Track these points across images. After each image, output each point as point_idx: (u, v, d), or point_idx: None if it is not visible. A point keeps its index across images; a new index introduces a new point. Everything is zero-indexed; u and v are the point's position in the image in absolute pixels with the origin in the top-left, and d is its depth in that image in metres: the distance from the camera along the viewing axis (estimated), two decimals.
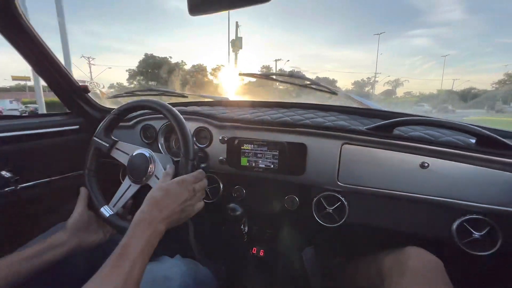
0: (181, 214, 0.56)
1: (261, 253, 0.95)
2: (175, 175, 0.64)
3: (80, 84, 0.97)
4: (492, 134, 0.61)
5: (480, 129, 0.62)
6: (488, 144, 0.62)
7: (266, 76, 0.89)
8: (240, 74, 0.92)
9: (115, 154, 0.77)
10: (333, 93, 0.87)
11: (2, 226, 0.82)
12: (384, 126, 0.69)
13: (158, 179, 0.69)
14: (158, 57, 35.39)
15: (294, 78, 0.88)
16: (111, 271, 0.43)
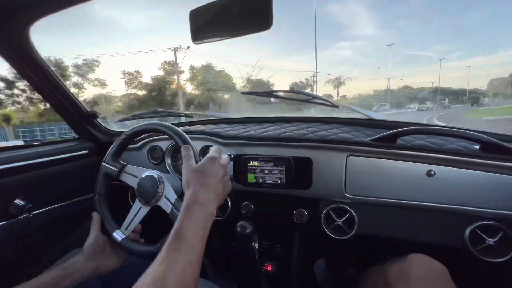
0: (223, 191, 0.56)
1: (273, 269, 0.94)
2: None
3: (89, 110, 1.01)
4: (494, 140, 0.62)
5: (482, 135, 0.63)
6: (492, 150, 0.63)
7: (268, 93, 0.92)
8: (242, 93, 0.95)
9: (124, 177, 0.79)
10: (334, 106, 0.89)
11: (18, 253, 0.83)
12: (387, 136, 0.70)
13: (167, 199, 0.71)
14: None
15: (295, 94, 0.91)
16: (167, 256, 0.40)
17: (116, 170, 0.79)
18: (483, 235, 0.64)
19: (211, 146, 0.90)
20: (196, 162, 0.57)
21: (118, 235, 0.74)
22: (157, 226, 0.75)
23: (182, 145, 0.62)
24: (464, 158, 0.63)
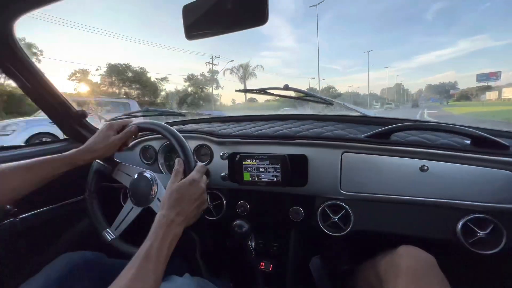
0: (196, 211, 0.60)
1: (270, 268, 0.94)
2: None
3: (78, 109, 0.98)
4: (485, 134, 0.63)
5: (473, 130, 0.64)
6: (482, 144, 0.64)
7: (262, 90, 0.92)
8: (236, 91, 0.95)
9: (117, 176, 0.77)
10: (329, 103, 0.89)
11: (4, 259, 0.79)
12: (382, 133, 0.71)
13: (160, 202, 0.69)
14: None
15: (289, 91, 0.91)
16: (137, 274, 0.45)
17: (109, 167, 0.77)
18: (475, 228, 0.65)
19: (205, 145, 0.89)
20: (185, 173, 0.63)
21: (108, 235, 0.72)
22: (149, 226, 0.74)
23: (177, 159, 0.66)
24: (456, 153, 0.65)
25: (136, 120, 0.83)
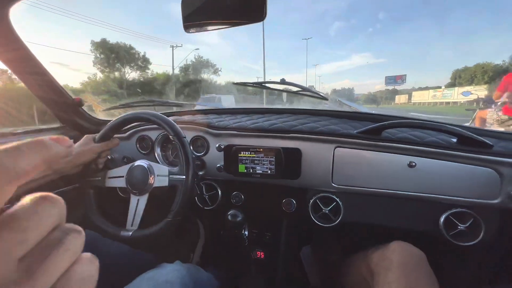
0: None
1: (262, 256, 0.98)
2: None
3: (74, 97, 0.97)
4: (470, 134, 0.66)
5: (459, 129, 0.67)
6: (467, 143, 0.67)
7: (259, 84, 0.92)
8: (234, 84, 0.95)
9: (111, 183, 0.77)
10: (324, 98, 0.91)
11: None
12: (373, 129, 0.73)
13: (161, 176, 0.72)
14: None
15: (285, 86, 0.92)
16: None
17: (99, 178, 0.77)
18: (456, 221, 0.69)
19: (201, 136, 0.90)
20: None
21: (125, 233, 0.71)
22: (156, 204, 0.75)
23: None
24: (441, 150, 0.68)
25: (132, 110, 0.83)
